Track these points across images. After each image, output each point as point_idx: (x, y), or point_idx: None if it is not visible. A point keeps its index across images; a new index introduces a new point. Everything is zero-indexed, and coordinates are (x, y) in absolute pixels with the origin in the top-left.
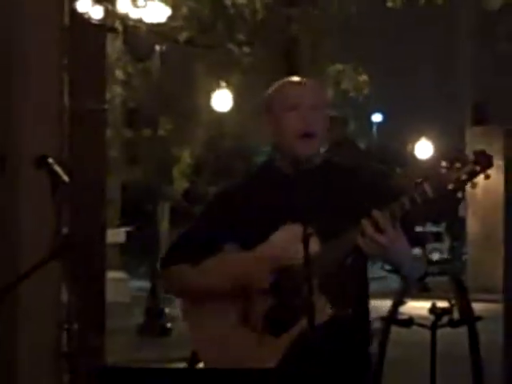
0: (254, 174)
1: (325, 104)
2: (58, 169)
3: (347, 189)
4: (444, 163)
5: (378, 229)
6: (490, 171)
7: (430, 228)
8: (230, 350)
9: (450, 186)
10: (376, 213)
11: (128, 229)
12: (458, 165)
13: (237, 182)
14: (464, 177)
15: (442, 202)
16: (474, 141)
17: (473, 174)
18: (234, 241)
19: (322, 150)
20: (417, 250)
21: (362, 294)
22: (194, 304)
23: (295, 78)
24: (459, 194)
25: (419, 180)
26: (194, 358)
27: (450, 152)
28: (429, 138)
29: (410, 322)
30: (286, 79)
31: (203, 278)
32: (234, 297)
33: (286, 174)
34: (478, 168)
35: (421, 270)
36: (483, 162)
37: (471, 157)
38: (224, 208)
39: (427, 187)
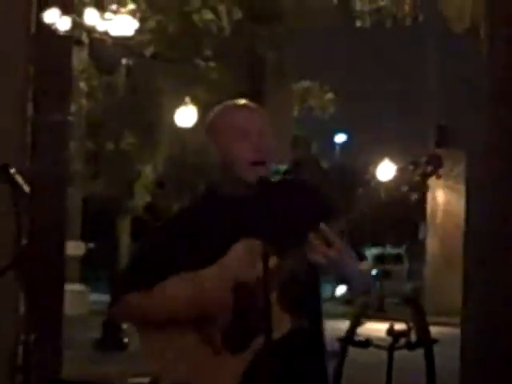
0: (199, 199)
1: (268, 127)
2: (19, 179)
3: (298, 205)
4: (397, 167)
5: (327, 242)
6: (449, 192)
7: (390, 250)
8: (191, 371)
9: (404, 188)
10: (324, 226)
11: (91, 245)
12: (411, 167)
13: (184, 208)
14: (417, 177)
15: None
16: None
17: (426, 175)
18: (184, 267)
19: (283, 167)
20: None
21: (317, 308)
22: (152, 330)
23: (239, 102)
24: (415, 197)
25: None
26: None
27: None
28: (392, 159)
29: (367, 343)
30: (229, 103)
31: (160, 304)
32: (192, 318)
33: (234, 196)
34: (429, 168)
35: (368, 284)
36: (434, 162)
37: (422, 159)
38: (172, 235)
39: (383, 194)
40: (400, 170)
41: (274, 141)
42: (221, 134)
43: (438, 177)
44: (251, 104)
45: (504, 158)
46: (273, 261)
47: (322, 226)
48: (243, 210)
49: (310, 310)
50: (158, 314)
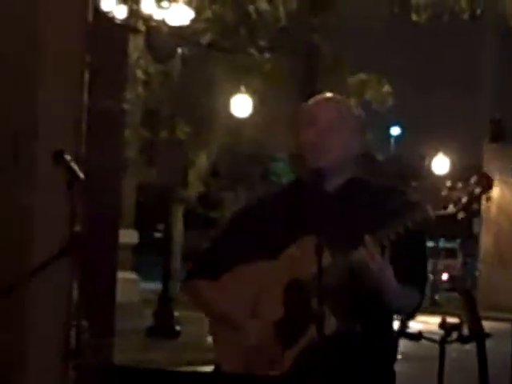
0: (280, 189)
1: (346, 123)
2: (74, 166)
3: (366, 207)
4: (449, 183)
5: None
6: (504, 187)
7: (444, 244)
8: (248, 363)
9: (450, 209)
10: (367, 238)
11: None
12: (459, 185)
13: (261, 196)
14: (464, 199)
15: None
16: (491, 157)
17: (474, 196)
18: (255, 256)
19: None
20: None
21: (379, 311)
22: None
23: (326, 95)
24: (461, 215)
25: (417, 201)
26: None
27: (464, 171)
28: (446, 153)
29: (419, 336)
30: (317, 96)
31: (220, 297)
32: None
33: (309, 189)
34: (477, 189)
35: (412, 305)
36: (483, 183)
37: (472, 178)
38: (248, 224)
39: (425, 210)
40: (450, 189)
41: (349, 135)
42: (297, 121)
43: (488, 199)
44: (331, 97)
45: None
46: (327, 259)
47: (367, 237)
48: (312, 204)
49: (366, 311)
50: (220, 305)
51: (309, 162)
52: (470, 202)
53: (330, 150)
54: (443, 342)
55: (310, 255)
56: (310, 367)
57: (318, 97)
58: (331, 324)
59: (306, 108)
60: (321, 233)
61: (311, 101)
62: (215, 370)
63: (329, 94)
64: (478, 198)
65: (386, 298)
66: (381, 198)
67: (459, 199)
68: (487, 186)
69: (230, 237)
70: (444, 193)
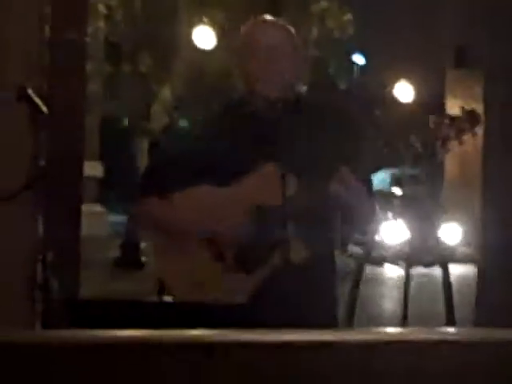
0: (226, 111)
1: (294, 46)
2: (37, 100)
3: (325, 129)
4: (433, 117)
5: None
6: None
7: (409, 171)
8: (201, 286)
9: (439, 143)
10: (343, 169)
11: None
12: (446, 121)
13: (210, 119)
14: (452, 134)
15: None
16: (455, 84)
17: (461, 131)
18: (208, 179)
19: (302, 89)
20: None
21: (331, 237)
22: (167, 238)
23: (266, 19)
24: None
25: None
26: (161, 289)
27: (430, 99)
28: (409, 80)
29: (383, 260)
30: (256, 19)
31: (178, 212)
32: (208, 233)
33: (258, 114)
34: (466, 126)
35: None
36: (472, 119)
37: (460, 115)
38: (199, 145)
39: (416, 143)
40: (436, 125)
41: (299, 58)
42: (241, 46)
43: (474, 134)
44: (277, 21)
45: None
46: (294, 188)
47: (343, 169)
48: (266, 131)
49: (325, 238)
50: (176, 221)
51: (260, 91)
52: (458, 137)
53: (282, 78)
54: (408, 266)
55: (274, 183)
56: (274, 294)
57: (260, 21)
58: (300, 251)
59: (249, 34)
60: (284, 160)
61: (253, 26)
62: (159, 288)
63: (269, 17)
64: (464, 134)
65: (356, 221)
66: (338, 123)
67: (447, 136)
68: (475, 121)
69: (178, 160)
70: (432, 127)
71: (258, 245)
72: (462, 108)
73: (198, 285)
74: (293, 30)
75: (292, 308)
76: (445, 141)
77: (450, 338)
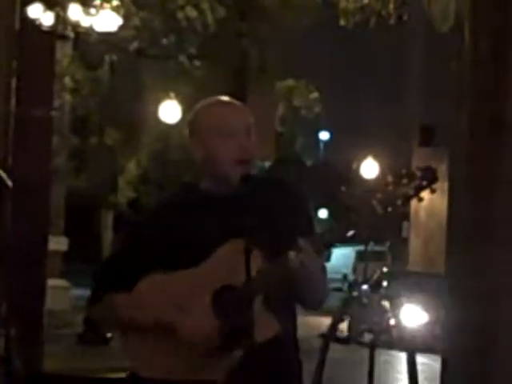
0: (176, 197)
1: (251, 124)
2: (1, 174)
3: (283, 207)
4: (390, 178)
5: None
6: (435, 187)
7: (373, 247)
8: (173, 373)
9: (399, 202)
10: (302, 242)
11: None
12: (404, 181)
13: (160, 206)
14: (411, 192)
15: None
16: (421, 162)
17: (420, 189)
18: (162, 267)
19: (267, 164)
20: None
21: (294, 310)
22: (133, 332)
23: (224, 99)
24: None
25: (366, 197)
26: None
27: (396, 171)
28: (376, 157)
29: (349, 339)
30: (213, 99)
31: (139, 305)
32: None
33: (215, 195)
34: (424, 183)
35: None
36: (429, 176)
37: (417, 172)
38: (152, 231)
39: (376, 204)
40: (394, 184)
41: (256, 139)
42: (205, 130)
43: (432, 191)
44: (235, 101)
45: (485, 155)
46: (259, 263)
47: (301, 241)
48: (227, 209)
49: (291, 312)
50: (139, 314)
51: (231, 174)
52: (416, 195)
53: (251, 159)
54: (373, 345)
55: (238, 260)
56: (250, 373)
57: (219, 103)
58: (272, 327)
59: (216, 117)
60: (247, 236)
61: (215, 108)
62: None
63: (224, 98)
64: (422, 191)
65: (313, 295)
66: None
67: (406, 194)
68: (433, 178)
69: (134, 249)
70: (390, 188)
71: (228, 326)
72: (417, 167)
73: (168, 363)
74: (247, 109)
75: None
76: (404, 199)
77: None
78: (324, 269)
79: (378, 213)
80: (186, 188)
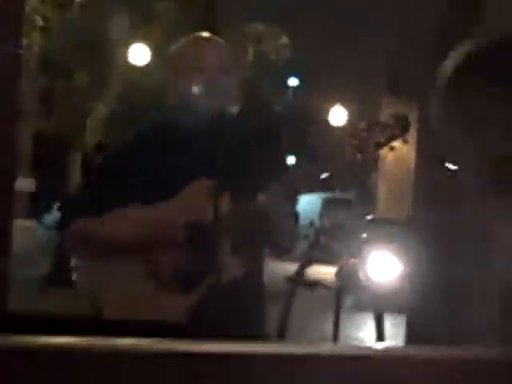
0: (151, 131)
1: (232, 66)
2: None
3: (253, 146)
4: (363, 125)
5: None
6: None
7: (340, 195)
8: (136, 306)
9: (371, 149)
10: (274, 186)
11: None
12: (377, 129)
13: (137, 137)
14: (383, 140)
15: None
16: (389, 110)
17: (392, 138)
18: (138, 199)
19: (235, 110)
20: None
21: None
22: (99, 258)
23: (202, 35)
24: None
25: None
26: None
27: (370, 119)
28: (344, 105)
29: (315, 284)
30: (192, 36)
31: (110, 229)
32: (142, 251)
33: (188, 132)
34: (396, 132)
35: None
36: (402, 126)
37: (390, 121)
38: (125, 163)
39: (348, 149)
40: (368, 131)
41: (236, 78)
42: (176, 67)
43: (405, 141)
44: (213, 38)
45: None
46: (227, 204)
47: (274, 184)
48: (198, 147)
49: (258, 256)
50: (108, 238)
51: (194, 106)
52: (388, 143)
53: (217, 94)
54: (339, 290)
55: (207, 200)
56: (211, 314)
57: (198, 38)
58: (236, 269)
59: (188, 52)
60: (216, 177)
61: (190, 44)
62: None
63: (207, 34)
64: (394, 140)
65: (281, 241)
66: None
67: (378, 142)
68: (406, 128)
69: (106, 180)
70: (363, 135)
71: (194, 263)
72: (394, 115)
73: (131, 303)
74: (229, 47)
75: (224, 326)
76: (376, 146)
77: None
78: (295, 215)
79: (349, 158)
80: (157, 125)
